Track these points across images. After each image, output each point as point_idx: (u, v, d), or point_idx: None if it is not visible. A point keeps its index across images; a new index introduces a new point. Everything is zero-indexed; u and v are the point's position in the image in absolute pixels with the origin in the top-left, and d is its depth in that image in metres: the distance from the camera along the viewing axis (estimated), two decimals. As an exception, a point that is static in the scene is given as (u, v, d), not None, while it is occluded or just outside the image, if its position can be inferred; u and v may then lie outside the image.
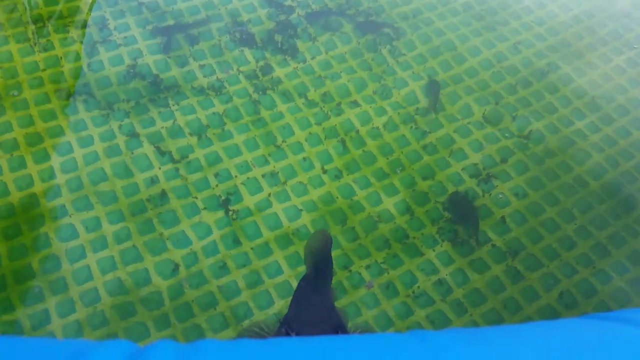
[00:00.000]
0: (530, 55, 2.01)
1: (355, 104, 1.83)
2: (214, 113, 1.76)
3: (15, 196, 1.55)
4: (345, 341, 0.49)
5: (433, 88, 1.89)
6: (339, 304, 1.45)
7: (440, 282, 1.50)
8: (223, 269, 1.48)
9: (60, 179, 1.58)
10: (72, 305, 1.39)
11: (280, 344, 0.47)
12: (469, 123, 1.81)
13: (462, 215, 1.62)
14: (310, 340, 0.48)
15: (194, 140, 1.70)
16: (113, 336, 1.36)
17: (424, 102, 1.86)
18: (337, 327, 0.91)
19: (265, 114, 1.78)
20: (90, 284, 1.43)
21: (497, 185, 1.68)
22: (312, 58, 1.93)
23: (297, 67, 1.90)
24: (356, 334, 0.95)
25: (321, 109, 1.81)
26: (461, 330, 0.50)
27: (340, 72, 1.91)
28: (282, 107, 1.80)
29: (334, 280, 1.48)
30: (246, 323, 1.41)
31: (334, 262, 1.44)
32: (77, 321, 1.38)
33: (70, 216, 1.52)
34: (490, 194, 1.66)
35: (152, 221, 1.54)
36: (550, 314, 1.47)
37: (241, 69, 1.88)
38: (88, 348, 0.45)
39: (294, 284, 1.47)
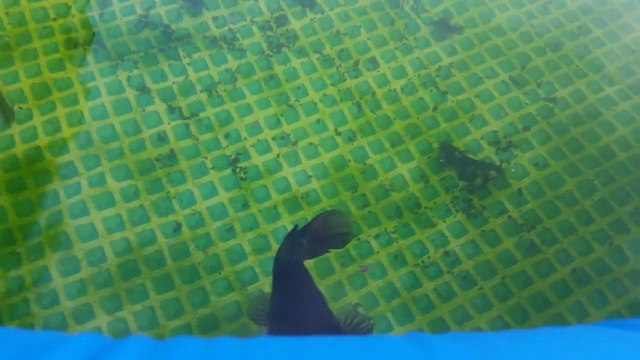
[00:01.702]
0: (560, 16, 1.92)
1: (373, 62, 1.78)
2: (226, 69, 1.73)
3: (20, 148, 1.55)
4: (333, 344, 0.47)
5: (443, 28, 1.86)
6: (346, 272, 1.45)
7: (450, 254, 1.48)
8: (230, 231, 1.48)
9: (67, 132, 1.58)
10: (77, 263, 1.41)
11: (262, 345, 0.46)
12: (492, 85, 1.75)
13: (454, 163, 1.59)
14: (294, 342, 0.46)
15: (204, 96, 1.67)
16: (116, 296, 1.38)
17: (446, 60, 1.80)
18: (332, 325, 0.90)
19: (278, 69, 1.74)
20: (95, 243, 1.44)
21: (517, 155, 1.64)
22: (331, 9, 1.87)
23: (314, 17, 1.84)
24: (348, 328, 0.94)
25: (337, 68, 1.76)
26: (463, 337, 0.48)
27: (360, 26, 1.85)
28: (296, 63, 1.76)
29: (340, 251, 1.48)
30: (251, 288, 1.42)
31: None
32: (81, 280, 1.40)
33: (80, 175, 1.53)
34: (509, 163, 1.62)
35: (161, 180, 1.54)
36: (563, 289, 1.45)
37: (255, 19, 1.83)
38: (54, 341, 0.44)
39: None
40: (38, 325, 1.34)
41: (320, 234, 1.09)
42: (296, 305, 0.92)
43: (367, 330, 0.95)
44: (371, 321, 0.97)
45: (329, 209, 1.53)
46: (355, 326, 0.95)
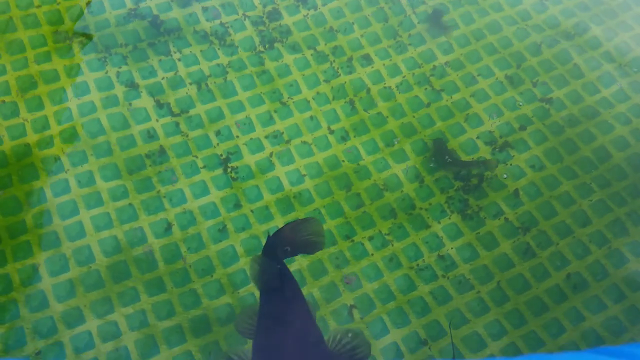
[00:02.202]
0: (557, 13, 1.90)
1: (367, 59, 1.76)
2: (218, 65, 1.70)
3: (7, 145, 1.51)
4: None
5: (435, 18, 1.84)
6: (340, 274, 1.43)
7: (446, 257, 1.47)
8: (222, 232, 1.46)
9: (55, 129, 1.54)
10: (65, 262, 1.38)
11: None
12: (488, 85, 1.74)
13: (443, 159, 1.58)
14: None
15: (193, 90, 1.64)
16: (107, 298, 1.35)
17: (441, 59, 1.78)
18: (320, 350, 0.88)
19: (270, 65, 1.71)
20: (83, 241, 1.41)
21: (513, 156, 1.63)
22: (324, 5, 1.84)
23: (307, 14, 1.81)
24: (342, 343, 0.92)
25: (331, 64, 1.73)
26: None
27: (353, 22, 1.82)
28: (289, 59, 1.73)
29: (335, 250, 1.46)
30: (242, 291, 1.39)
31: (335, 232, 1.41)
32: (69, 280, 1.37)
33: (66, 172, 1.49)
34: (506, 164, 1.61)
35: (150, 179, 1.51)
36: (559, 294, 1.45)
37: (247, 14, 1.80)
38: None
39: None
40: (28, 329, 1.31)
41: (293, 240, 1.09)
42: (283, 325, 0.90)
43: (362, 358, 0.93)
44: (366, 346, 0.95)
45: (322, 209, 1.51)
46: (350, 351, 0.93)
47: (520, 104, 1.72)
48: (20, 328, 1.31)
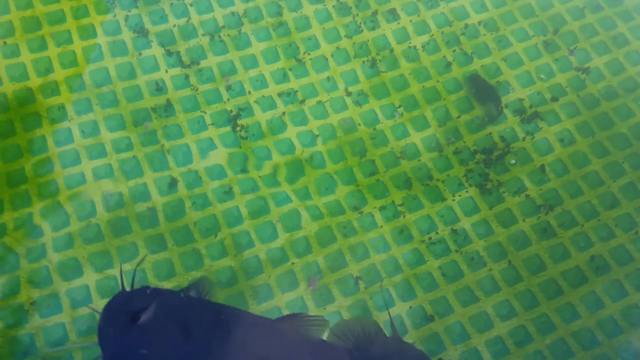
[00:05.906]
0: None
1: (394, 14, 1.77)
2: (232, 13, 1.72)
3: (9, 88, 1.57)
4: None
5: None
6: (348, 242, 1.48)
7: (459, 232, 1.51)
8: (228, 193, 1.51)
9: (59, 74, 1.60)
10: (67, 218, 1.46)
11: None
12: (522, 49, 1.74)
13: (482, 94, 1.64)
14: None
15: (205, 41, 1.68)
16: (106, 253, 1.43)
17: (474, 17, 1.78)
18: None
19: (288, 17, 1.73)
20: (85, 195, 1.48)
21: (542, 128, 1.65)
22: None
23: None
24: None
25: (354, 17, 1.75)
26: None
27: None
28: (309, 9, 1.75)
29: (344, 219, 1.51)
30: (246, 253, 1.46)
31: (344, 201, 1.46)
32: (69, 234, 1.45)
33: (69, 120, 1.55)
34: (533, 137, 1.63)
35: (156, 133, 1.56)
36: (578, 277, 1.49)
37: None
38: None
39: (304, 214, 1.50)
40: (23, 279, 1.39)
41: None
42: None
43: None
44: None
45: (334, 175, 1.55)
46: None
47: (562, 69, 1.73)
48: (16, 276, 1.39)
